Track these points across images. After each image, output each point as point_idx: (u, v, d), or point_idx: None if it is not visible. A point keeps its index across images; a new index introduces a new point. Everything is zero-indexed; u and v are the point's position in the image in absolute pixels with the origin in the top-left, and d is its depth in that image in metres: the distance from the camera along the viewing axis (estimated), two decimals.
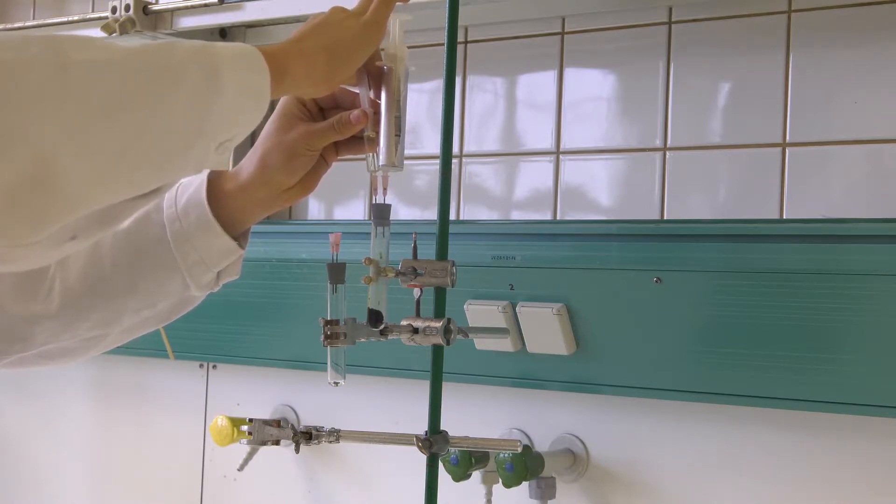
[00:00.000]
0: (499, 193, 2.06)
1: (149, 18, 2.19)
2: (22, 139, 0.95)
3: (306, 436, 1.56)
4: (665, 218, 1.87)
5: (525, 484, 1.81)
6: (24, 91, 0.95)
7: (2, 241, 0.97)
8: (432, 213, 1.48)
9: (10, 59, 0.95)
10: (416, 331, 1.45)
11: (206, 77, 1.06)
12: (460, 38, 2.04)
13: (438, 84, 1.50)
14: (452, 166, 1.95)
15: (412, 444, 1.47)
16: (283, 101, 1.37)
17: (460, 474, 1.79)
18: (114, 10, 2.19)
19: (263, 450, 2.14)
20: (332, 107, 1.36)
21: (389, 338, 1.44)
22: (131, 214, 1.12)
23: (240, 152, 2.38)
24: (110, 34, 2.20)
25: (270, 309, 2.10)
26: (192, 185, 1.33)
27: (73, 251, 1.10)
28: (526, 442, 1.92)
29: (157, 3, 2.18)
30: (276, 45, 1.17)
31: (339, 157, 1.35)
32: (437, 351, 1.48)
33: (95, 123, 0.98)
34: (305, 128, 1.33)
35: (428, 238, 1.47)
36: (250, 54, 1.11)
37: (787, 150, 1.78)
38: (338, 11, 1.25)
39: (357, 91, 1.33)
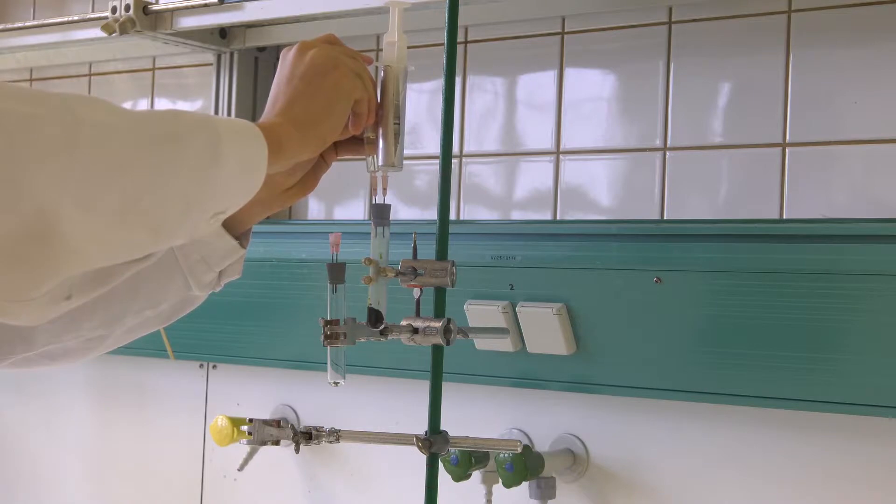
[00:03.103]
0: (499, 193, 2.06)
1: (149, 18, 2.19)
2: (28, 193, 0.96)
3: (306, 436, 1.56)
4: (665, 218, 1.87)
5: (525, 484, 1.81)
6: (35, 146, 0.97)
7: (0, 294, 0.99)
8: (432, 213, 1.48)
9: (24, 113, 0.97)
10: (416, 331, 1.45)
11: (208, 149, 1.09)
12: (460, 38, 2.04)
13: (438, 84, 1.50)
14: (452, 166, 1.95)
15: (412, 444, 1.47)
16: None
17: (460, 474, 1.79)
18: (114, 10, 2.19)
19: (263, 450, 2.14)
20: None
21: (389, 338, 1.44)
22: (124, 276, 1.14)
23: None
24: (110, 34, 2.20)
25: (270, 309, 2.10)
26: None
27: (67, 310, 1.11)
28: (526, 442, 1.92)
29: (157, 3, 2.18)
30: (272, 120, 1.21)
31: (338, 158, 1.35)
32: (437, 351, 1.48)
33: (100, 184, 1.00)
34: None
35: (428, 238, 1.47)
36: (250, 131, 1.14)
37: (787, 150, 1.78)
38: (327, 60, 1.27)
39: None
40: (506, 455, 1.77)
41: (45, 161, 0.97)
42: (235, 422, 2.05)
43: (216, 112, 2.33)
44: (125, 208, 1.03)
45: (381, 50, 1.37)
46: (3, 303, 1.00)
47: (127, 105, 2.58)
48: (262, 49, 2.33)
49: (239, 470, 2.19)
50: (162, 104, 2.53)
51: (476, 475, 1.82)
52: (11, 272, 0.98)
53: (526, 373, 1.85)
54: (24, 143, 0.96)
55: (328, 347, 1.44)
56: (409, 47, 1.38)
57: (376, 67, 1.36)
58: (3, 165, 0.95)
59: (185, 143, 1.07)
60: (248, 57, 2.33)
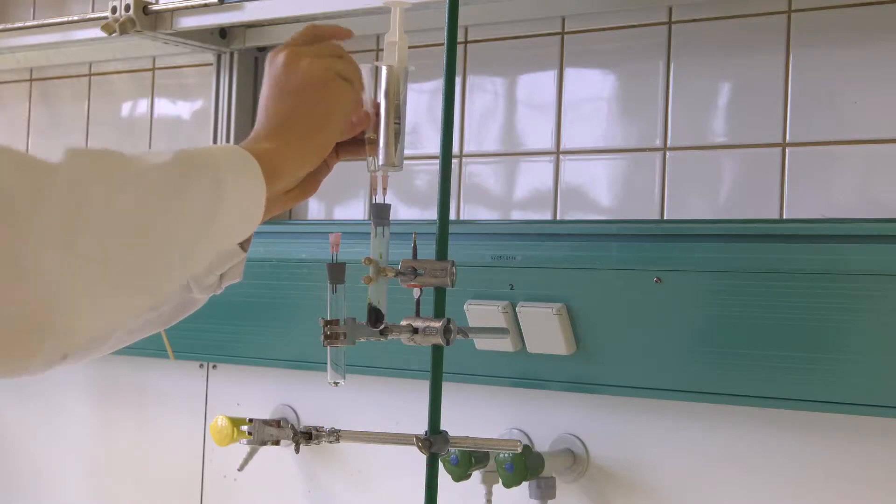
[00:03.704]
0: (499, 193, 2.06)
1: (149, 18, 2.19)
2: (31, 279, 0.96)
3: (306, 436, 1.56)
4: (665, 218, 1.87)
5: (525, 484, 1.81)
6: (40, 231, 0.96)
7: None
8: (432, 213, 1.48)
9: (30, 191, 0.96)
10: (416, 331, 1.45)
11: (209, 202, 1.09)
12: (460, 38, 2.04)
13: (438, 84, 1.50)
14: (452, 166, 1.95)
15: (412, 444, 1.47)
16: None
17: (460, 474, 1.79)
18: (114, 10, 2.19)
19: (263, 450, 2.14)
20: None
21: (389, 338, 1.44)
22: (121, 336, 1.16)
23: None
24: (110, 34, 2.20)
25: (270, 309, 2.10)
26: None
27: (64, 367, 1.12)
28: (526, 442, 1.92)
29: (157, 3, 2.18)
30: (267, 146, 1.19)
31: (339, 160, 1.35)
32: (437, 351, 1.48)
33: (103, 262, 1.01)
34: None
35: (428, 238, 1.47)
36: (249, 169, 1.14)
37: (787, 150, 1.78)
38: (321, 74, 1.25)
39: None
40: (506, 455, 1.77)
41: (49, 246, 0.97)
42: (235, 422, 2.05)
43: (216, 112, 2.33)
44: (127, 281, 1.04)
45: (382, 50, 1.37)
46: None
47: (127, 105, 2.58)
48: (262, 49, 2.33)
49: (239, 470, 2.19)
50: (162, 104, 2.53)
51: (476, 475, 1.82)
52: (9, 353, 0.98)
53: (526, 373, 1.85)
54: (29, 228, 0.96)
55: (328, 347, 1.44)
56: (409, 47, 1.38)
57: (376, 67, 1.36)
58: (6, 250, 0.94)
59: (188, 201, 1.07)
60: (248, 57, 2.33)
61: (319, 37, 1.30)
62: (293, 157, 1.21)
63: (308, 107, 1.24)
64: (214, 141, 2.33)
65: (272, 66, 1.27)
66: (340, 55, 1.30)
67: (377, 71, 1.36)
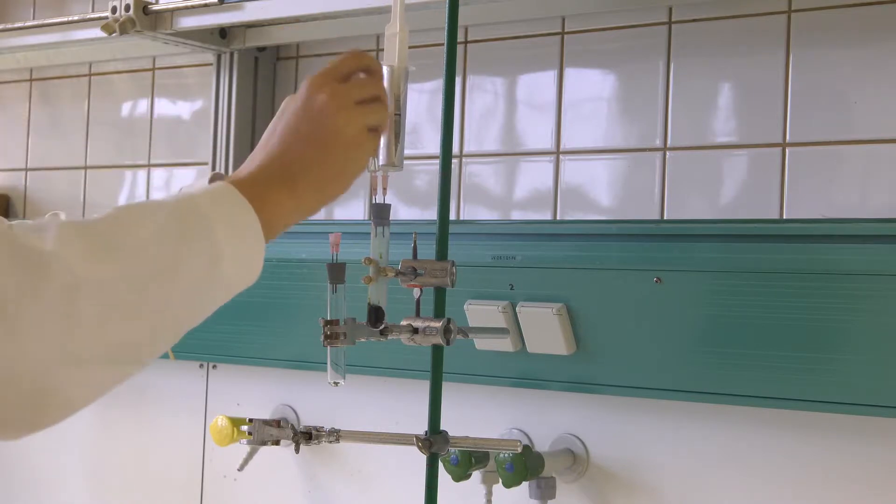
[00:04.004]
0: (499, 193, 2.06)
1: (149, 18, 2.19)
2: (26, 365, 0.97)
3: (306, 436, 1.56)
4: (665, 218, 1.87)
5: (525, 484, 1.81)
6: (34, 321, 0.97)
7: None
8: (432, 213, 1.48)
9: (23, 286, 0.96)
10: (416, 331, 1.45)
11: (207, 274, 1.09)
12: (460, 38, 2.04)
13: (438, 84, 1.50)
14: (452, 166, 1.95)
15: (412, 444, 1.47)
16: (285, 102, 1.37)
17: (460, 474, 1.79)
18: (114, 10, 2.19)
19: (263, 450, 2.14)
20: None
21: (389, 338, 1.44)
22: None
23: (240, 157, 2.38)
24: (110, 34, 2.20)
25: (270, 309, 2.10)
26: (193, 190, 1.33)
27: None
28: (526, 442, 1.92)
29: (157, 3, 2.18)
30: (274, 199, 1.16)
31: None
32: (437, 351, 1.48)
33: (97, 341, 1.02)
34: None
35: (428, 238, 1.47)
36: (250, 235, 1.12)
37: (787, 150, 1.78)
38: (341, 123, 1.21)
39: None
40: (506, 455, 1.77)
41: (44, 340, 0.97)
42: (235, 422, 2.05)
43: (216, 112, 2.33)
44: (123, 357, 1.05)
45: (382, 50, 1.37)
46: None
47: (127, 105, 2.58)
48: (262, 49, 2.33)
49: (239, 470, 2.19)
50: (162, 104, 2.53)
51: (476, 475, 1.82)
52: (12, 427, 1.03)
53: (526, 373, 1.85)
54: (23, 325, 0.96)
55: (328, 347, 1.44)
56: (409, 47, 1.38)
57: None
58: (2, 345, 0.96)
59: (185, 277, 1.06)
60: (248, 57, 2.33)
61: (363, 70, 1.26)
62: (299, 210, 1.19)
63: (330, 160, 1.20)
64: (214, 141, 2.33)
65: (308, 102, 1.21)
66: (378, 95, 1.25)
67: None
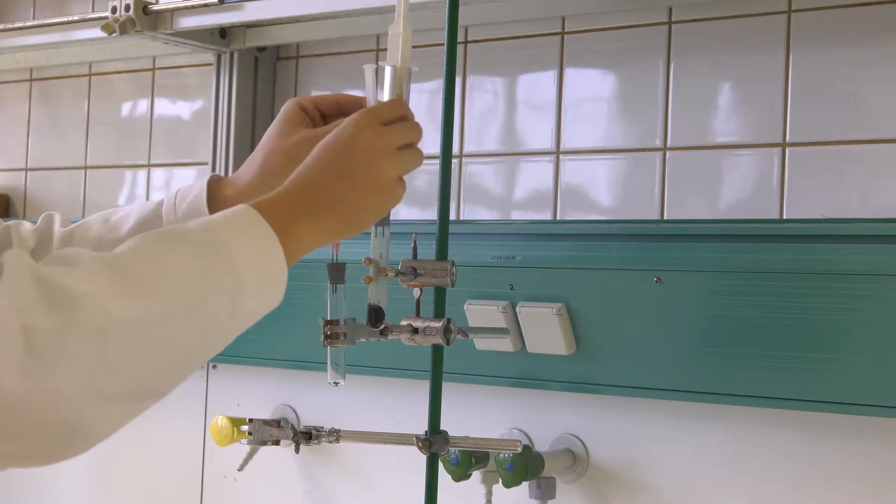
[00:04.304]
0: (499, 193, 2.06)
1: (149, 18, 2.19)
2: (56, 403, 0.99)
3: (306, 436, 1.56)
4: (665, 218, 1.87)
5: (525, 484, 1.81)
6: (64, 360, 0.98)
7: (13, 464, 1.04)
8: (432, 213, 1.48)
9: (54, 326, 0.97)
10: (416, 331, 1.45)
11: (230, 308, 1.10)
12: (460, 38, 2.04)
13: (438, 84, 1.50)
14: (452, 166, 1.95)
15: (412, 444, 1.47)
16: (285, 106, 1.37)
17: (460, 474, 1.79)
18: (114, 10, 2.19)
19: (263, 450, 2.14)
20: (335, 113, 1.36)
21: (389, 338, 1.44)
22: None
23: (240, 157, 2.38)
24: (110, 34, 2.20)
25: None
26: (192, 193, 1.34)
27: None
28: (526, 442, 1.92)
29: (157, 3, 2.18)
30: (302, 232, 1.16)
31: None
32: (437, 351, 1.48)
33: (125, 378, 1.03)
34: (307, 133, 1.33)
35: (428, 238, 1.47)
36: (274, 267, 1.13)
37: (787, 150, 1.78)
38: (393, 178, 1.22)
39: (361, 96, 1.34)
40: (506, 455, 1.77)
41: (74, 373, 0.99)
42: (235, 422, 2.05)
43: (216, 112, 2.33)
44: (148, 391, 1.07)
45: (383, 50, 1.37)
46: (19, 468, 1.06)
47: (127, 105, 2.58)
48: (262, 49, 2.33)
49: (239, 470, 2.19)
50: (162, 104, 2.53)
51: (476, 475, 1.82)
52: (39, 458, 1.04)
53: (526, 373, 1.85)
54: (53, 362, 0.98)
55: (328, 347, 1.44)
56: (412, 47, 1.38)
57: (380, 67, 1.36)
58: (30, 381, 0.97)
59: (208, 312, 1.07)
60: (248, 57, 2.33)
61: (403, 118, 1.26)
62: (316, 243, 1.19)
63: (360, 202, 1.20)
64: (214, 141, 2.33)
65: (352, 139, 1.21)
66: (417, 136, 1.27)
67: (381, 71, 1.36)
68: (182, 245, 1.08)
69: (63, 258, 1.03)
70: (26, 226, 1.36)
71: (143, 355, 1.03)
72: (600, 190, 1.95)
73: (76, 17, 2.37)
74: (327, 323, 1.43)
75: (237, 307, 1.10)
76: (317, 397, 2.18)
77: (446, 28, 1.48)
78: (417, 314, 1.45)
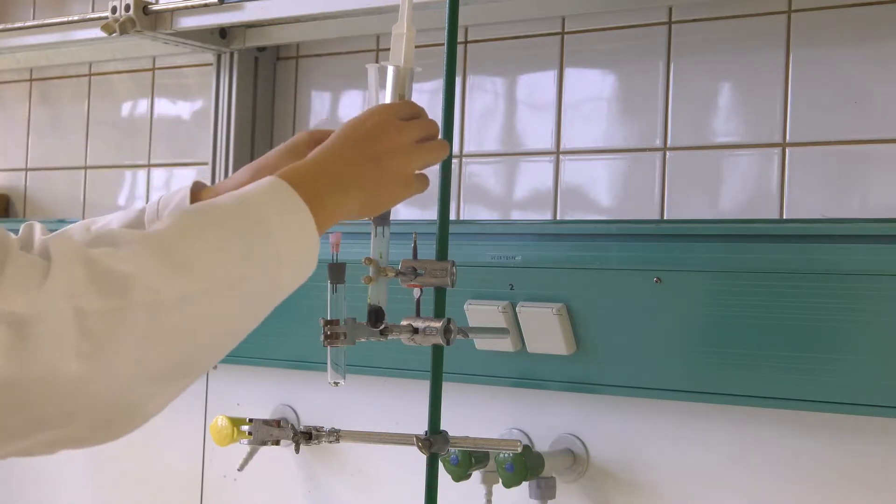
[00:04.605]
0: (499, 193, 2.06)
1: (149, 18, 2.19)
2: (111, 388, 1.00)
3: (306, 436, 1.56)
4: (665, 218, 1.87)
5: (525, 484, 1.81)
6: (119, 343, 0.99)
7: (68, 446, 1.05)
8: (432, 213, 1.48)
9: (108, 308, 0.98)
10: (416, 331, 1.45)
11: (271, 283, 1.13)
12: (460, 38, 2.04)
13: (438, 84, 1.49)
14: (452, 166, 1.95)
15: (412, 444, 1.47)
16: (298, 134, 1.40)
17: (460, 474, 1.79)
18: (114, 10, 2.19)
19: (263, 450, 2.14)
20: None
21: (389, 338, 1.44)
22: None
23: (240, 157, 2.37)
24: (110, 34, 2.20)
25: None
26: (175, 199, 1.35)
27: None
28: (526, 442, 1.92)
29: (157, 3, 2.18)
30: (333, 202, 1.18)
31: None
32: (437, 351, 1.48)
33: (175, 360, 1.05)
34: None
35: (428, 238, 1.47)
36: (308, 240, 1.15)
37: (787, 150, 1.78)
38: (412, 171, 1.26)
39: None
40: (506, 455, 1.77)
41: (127, 354, 1.00)
42: (235, 422, 2.05)
43: (216, 112, 2.33)
44: (193, 368, 1.09)
45: (384, 49, 1.37)
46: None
47: (127, 105, 2.58)
48: (262, 49, 2.33)
49: (239, 470, 2.19)
50: (162, 104, 2.53)
51: (476, 475, 1.82)
52: (95, 438, 1.04)
53: (526, 373, 1.85)
54: (107, 344, 0.99)
55: (328, 347, 1.44)
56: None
57: (383, 67, 1.36)
58: (86, 362, 0.97)
59: (248, 285, 1.10)
60: (248, 57, 2.33)
61: (417, 116, 1.30)
62: (347, 214, 1.22)
63: (387, 182, 1.24)
64: (214, 141, 2.33)
65: (377, 130, 1.25)
66: (434, 130, 1.30)
67: (384, 71, 1.36)
68: (219, 220, 1.10)
69: (105, 237, 1.04)
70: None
71: (190, 332, 1.04)
72: (600, 190, 1.95)
73: (76, 17, 2.37)
74: (327, 323, 1.43)
75: (276, 278, 1.12)
76: (317, 397, 2.18)
77: (446, 28, 1.48)
78: (417, 314, 1.46)
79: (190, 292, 1.04)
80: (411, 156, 1.26)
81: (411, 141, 1.26)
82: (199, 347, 1.07)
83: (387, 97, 1.35)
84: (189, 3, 2.15)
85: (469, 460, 1.78)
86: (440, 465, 1.51)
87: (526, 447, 1.85)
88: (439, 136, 1.32)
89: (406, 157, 1.25)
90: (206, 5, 2.14)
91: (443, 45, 1.48)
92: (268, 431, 1.59)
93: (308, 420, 2.18)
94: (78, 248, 1.01)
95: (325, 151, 1.22)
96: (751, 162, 1.81)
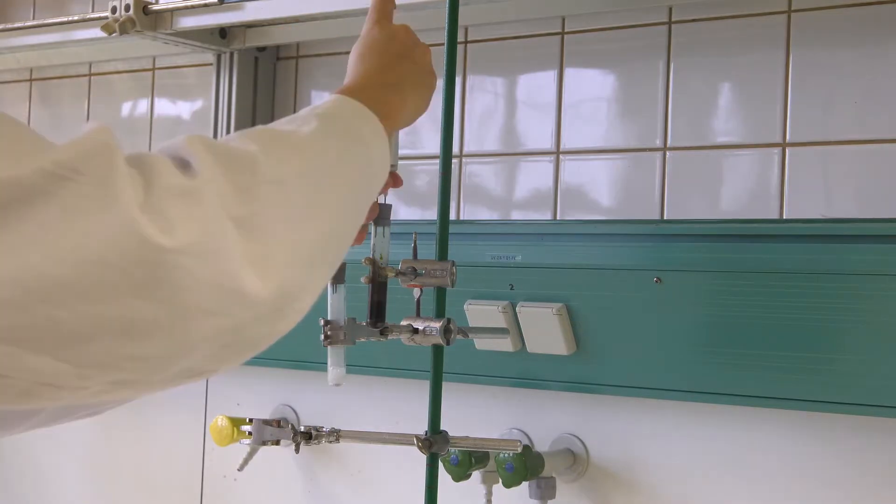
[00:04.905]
0: (499, 193, 2.06)
1: (149, 18, 2.19)
2: (277, 278, 0.95)
3: (306, 436, 1.56)
4: (665, 218, 1.87)
5: (525, 484, 1.81)
6: (268, 228, 0.96)
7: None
8: (432, 213, 1.48)
9: (242, 185, 0.95)
10: (416, 331, 1.45)
11: (372, 176, 1.13)
12: (460, 38, 2.04)
13: (439, 84, 1.50)
14: (452, 166, 1.95)
15: (412, 444, 1.47)
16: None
17: (460, 474, 1.79)
18: (114, 10, 2.19)
19: (263, 450, 2.14)
20: None
21: (389, 338, 1.45)
22: None
23: None
24: (110, 34, 2.20)
25: None
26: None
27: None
28: (526, 442, 1.92)
29: (157, 3, 2.18)
30: (390, 119, 1.20)
31: None
32: (437, 351, 1.48)
33: (314, 236, 1.02)
34: None
35: (428, 238, 1.47)
36: (385, 153, 1.15)
37: (787, 150, 1.78)
38: (405, 36, 1.34)
39: None
40: (506, 455, 1.77)
41: (280, 235, 0.97)
42: (235, 422, 2.05)
43: (216, 112, 2.33)
44: (330, 250, 1.06)
45: None
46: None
47: (127, 105, 2.58)
48: (262, 49, 2.33)
49: (239, 470, 2.19)
50: (162, 104, 2.53)
51: (476, 475, 1.82)
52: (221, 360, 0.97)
53: (526, 373, 1.85)
54: (263, 234, 0.95)
55: (328, 347, 1.44)
56: None
57: None
58: (259, 270, 0.93)
59: (355, 164, 1.10)
60: (248, 57, 2.33)
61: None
62: (409, 116, 1.28)
63: (423, 77, 1.31)
64: None
65: (391, 34, 1.33)
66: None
67: None
68: (303, 116, 1.10)
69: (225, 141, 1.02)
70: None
71: (319, 206, 1.02)
72: (600, 190, 1.95)
73: (76, 17, 2.37)
74: (327, 323, 1.43)
75: (369, 167, 1.12)
76: (317, 397, 2.18)
77: (446, 28, 1.48)
78: (417, 314, 1.46)
79: (304, 169, 1.02)
80: (424, 50, 1.33)
81: (412, 39, 1.34)
82: (332, 224, 1.04)
83: None
84: (189, 3, 2.15)
85: (469, 460, 1.78)
86: (440, 465, 1.51)
87: (526, 447, 1.85)
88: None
89: (420, 51, 1.32)
90: (206, 5, 2.14)
91: (443, 45, 1.48)
92: (268, 431, 1.60)
93: (308, 420, 2.18)
94: (206, 139, 0.97)
95: (360, 65, 1.28)
96: (751, 162, 1.81)
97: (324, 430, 1.56)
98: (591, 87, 1.97)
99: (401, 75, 1.27)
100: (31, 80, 2.76)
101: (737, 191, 1.82)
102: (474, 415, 1.94)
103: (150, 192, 0.88)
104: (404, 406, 2.03)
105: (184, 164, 0.93)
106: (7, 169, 0.82)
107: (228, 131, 2.31)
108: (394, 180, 1.36)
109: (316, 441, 1.56)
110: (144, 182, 0.88)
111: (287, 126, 1.07)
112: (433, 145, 2.10)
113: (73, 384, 0.87)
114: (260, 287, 0.93)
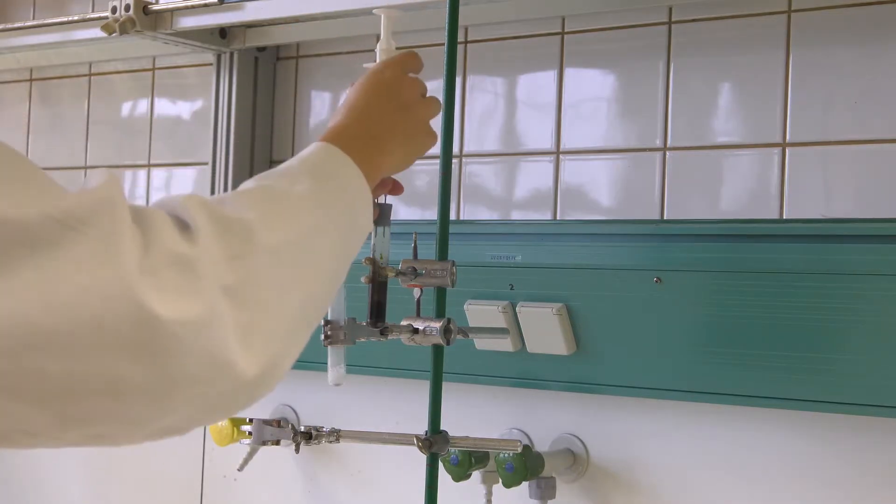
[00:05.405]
0: (499, 193, 2.06)
1: (149, 18, 2.19)
2: (264, 344, 0.97)
3: (306, 436, 1.56)
4: (665, 218, 1.87)
5: (525, 484, 1.81)
6: (260, 296, 0.98)
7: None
8: (432, 213, 1.48)
9: (234, 251, 0.96)
10: (416, 331, 1.45)
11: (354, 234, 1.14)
12: (460, 38, 2.04)
13: (438, 84, 1.50)
14: (452, 166, 1.95)
15: (412, 444, 1.47)
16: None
17: (460, 474, 1.79)
18: (114, 10, 2.19)
19: (263, 450, 2.14)
20: None
21: (389, 338, 1.45)
22: None
23: (240, 157, 2.36)
24: (110, 34, 2.20)
25: None
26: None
27: None
28: (526, 442, 1.92)
29: (157, 3, 2.18)
30: (375, 162, 1.21)
31: None
32: (437, 351, 1.48)
33: (300, 302, 1.03)
34: None
35: (428, 238, 1.47)
36: (369, 205, 1.17)
37: (787, 150, 1.78)
38: (409, 88, 1.31)
39: None
40: (506, 455, 1.77)
41: (271, 303, 0.99)
42: (235, 422, 2.05)
43: (216, 112, 2.33)
44: (312, 313, 1.08)
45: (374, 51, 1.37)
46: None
47: (127, 105, 2.58)
48: (262, 49, 2.33)
49: (239, 470, 2.19)
50: (162, 104, 2.53)
51: (476, 475, 1.82)
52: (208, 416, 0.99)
53: (526, 373, 1.85)
54: (244, 284, 0.96)
55: (328, 347, 1.44)
56: (410, 48, 1.38)
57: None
58: (247, 343, 0.95)
59: (342, 227, 1.11)
60: (248, 57, 2.33)
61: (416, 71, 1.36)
62: (392, 166, 1.27)
63: (414, 131, 1.30)
64: (214, 141, 2.33)
65: (395, 82, 1.30)
66: (426, 89, 1.35)
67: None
68: (292, 173, 1.10)
69: (215, 198, 1.03)
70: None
71: (307, 272, 1.04)
72: (600, 190, 1.95)
73: (76, 17, 2.37)
74: (327, 323, 1.43)
75: (355, 222, 1.13)
76: (317, 397, 2.18)
77: (446, 28, 1.48)
78: (418, 314, 1.46)
79: (288, 239, 1.02)
80: (428, 106, 1.31)
81: (423, 92, 1.32)
82: (316, 290, 1.06)
83: None
84: (189, 3, 2.15)
85: (469, 460, 1.78)
86: (440, 465, 1.51)
87: (526, 447, 1.85)
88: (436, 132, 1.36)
89: (424, 107, 1.31)
90: (206, 5, 2.14)
91: (443, 45, 1.48)
92: (268, 431, 1.60)
93: (308, 420, 2.18)
94: (203, 200, 0.98)
95: (356, 107, 1.25)
96: (751, 162, 1.81)
97: (324, 430, 1.56)
98: (591, 87, 1.97)
99: (394, 129, 1.26)
100: (31, 80, 2.76)
101: (737, 191, 1.83)
102: (474, 415, 1.94)
103: (150, 254, 0.88)
104: (404, 406, 2.03)
105: (183, 226, 0.94)
106: (13, 208, 0.82)
107: (228, 131, 2.31)
108: (394, 188, 1.37)
109: (316, 441, 1.56)
110: (145, 241, 0.89)
111: (281, 183, 1.08)
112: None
113: (52, 434, 0.88)
114: (249, 362, 0.94)
